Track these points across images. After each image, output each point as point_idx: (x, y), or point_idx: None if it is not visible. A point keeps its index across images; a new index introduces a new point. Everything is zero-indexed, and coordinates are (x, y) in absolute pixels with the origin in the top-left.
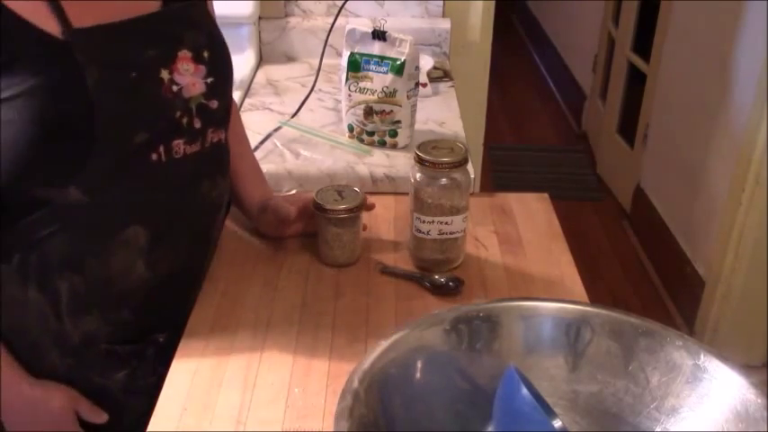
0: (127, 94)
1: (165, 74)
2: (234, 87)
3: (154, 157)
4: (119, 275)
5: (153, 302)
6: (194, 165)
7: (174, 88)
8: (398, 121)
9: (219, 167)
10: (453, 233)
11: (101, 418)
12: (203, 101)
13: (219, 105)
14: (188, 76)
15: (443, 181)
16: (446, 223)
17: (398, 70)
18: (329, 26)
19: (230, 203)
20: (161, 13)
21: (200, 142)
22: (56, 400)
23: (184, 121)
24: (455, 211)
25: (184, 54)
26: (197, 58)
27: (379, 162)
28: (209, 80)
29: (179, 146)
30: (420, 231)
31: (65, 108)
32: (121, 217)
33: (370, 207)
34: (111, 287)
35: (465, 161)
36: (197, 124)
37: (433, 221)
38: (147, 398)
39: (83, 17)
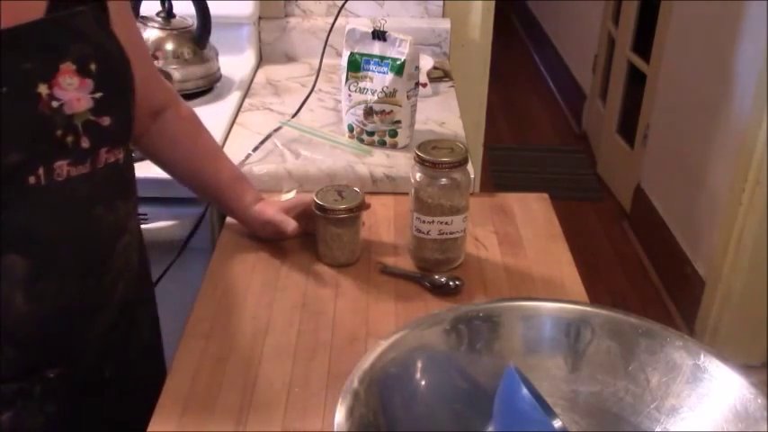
0: None
1: (43, 88)
2: (234, 87)
3: (32, 180)
4: None
5: (39, 338)
6: (83, 188)
7: (54, 104)
8: (398, 121)
9: (120, 191)
10: (453, 233)
11: None
12: (91, 117)
13: (113, 122)
14: (71, 91)
15: (443, 181)
16: (446, 223)
17: (398, 70)
18: (329, 26)
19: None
20: (42, 22)
21: (89, 163)
22: None
23: (69, 140)
24: (455, 211)
25: (67, 67)
26: (82, 71)
27: (379, 162)
28: (98, 95)
29: (62, 167)
30: (420, 231)
31: None
32: None
33: (366, 207)
34: None
35: (465, 161)
36: (84, 143)
37: (432, 221)
38: None
39: None
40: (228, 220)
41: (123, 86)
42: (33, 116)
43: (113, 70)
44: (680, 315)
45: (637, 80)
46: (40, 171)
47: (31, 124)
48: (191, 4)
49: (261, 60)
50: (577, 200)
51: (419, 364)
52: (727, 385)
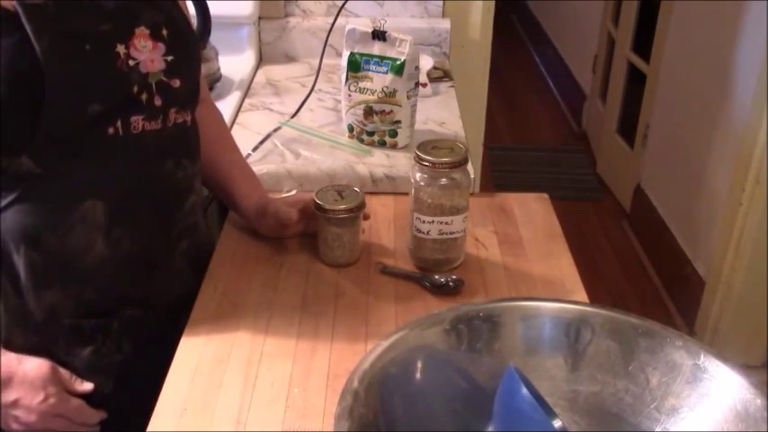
0: (79, 63)
1: (120, 48)
2: (234, 87)
3: (111, 130)
4: (78, 253)
5: (116, 284)
6: (155, 142)
7: (131, 63)
8: (398, 121)
9: (186, 150)
10: (453, 233)
11: (82, 387)
12: (163, 78)
13: (182, 86)
14: (146, 53)
15: (443, 181)
16: (446, 223)
17: (398, 70)
18: (329, 26)
19: (213, 198)
20: None
21: (160, 120)
22: (30, 362)
23: (143, 97)
24: (455, 211)
25: (142, 31)
26: (155, 36)
27: (379, 162)
28: (169, 58)
29: (137, 121)
30: (420, 231)
31: (13, 74)
32: (78, 190)
33: (366, 217)
34: (70, 264)
35: (465, 161)
36: (157, 102)
37: (432, 221)
38: (110, 380)
39: None
40: (228, 219)
41: (191, 54)
42: (113, 72)
43: (182, 38)
44: (680, 315)
45: (637, 80)
46: (118, 123)
47: (110, 79)
48: (191, 4)
49: (261, 60)
50: (577, 200)
51: (419, 364)
52: (727, 385)
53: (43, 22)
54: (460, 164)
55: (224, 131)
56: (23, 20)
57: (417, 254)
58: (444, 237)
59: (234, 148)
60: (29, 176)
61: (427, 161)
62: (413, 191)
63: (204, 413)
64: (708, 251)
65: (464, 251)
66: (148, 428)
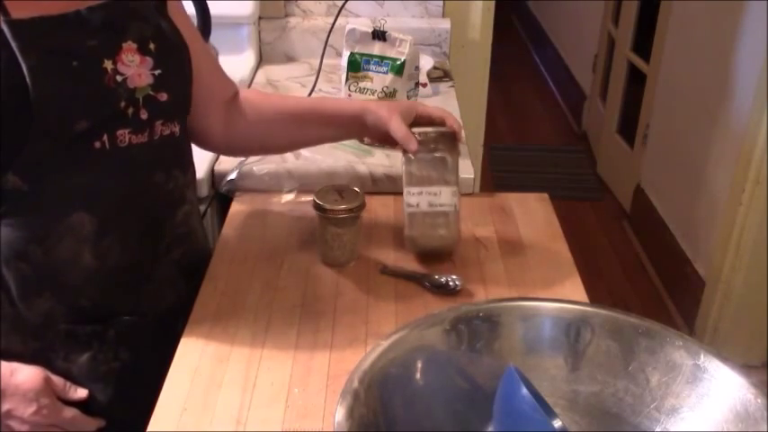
0: (66, 81)
1: (108, 64)
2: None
3: (97, 144)
4: (65, 264)
5: (107, 293)
6: (143, 155)
7: (118, 78)
8: None
9: (176, 161)
10: (443, 205)
11: (77, 394)
12: (151, 92)
13: (170, 98)
14: (133, 68)
15: (432, 155)
16: (434, 194)
17: (398, 70)
18: (329, 26)
19: (211, 200)
20: (104, 5)
21: (147, 133)
22: (22, 373)
23: (130, 111)
24: (443, 182)
25: (129, 45)
26: (143, 50)
27: (379, 162)
28: (157, 72)
29: (124, 135)
30: (410, 205)
31: (0, 92)
32: (65, 203)
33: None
34: (58, 275)
35: (453, 137)
36: (143, 115)
37: (421, 192)
38: (108, 387)
39: (23, 8)
40: (228, 220)
41: (180, 67)
42: (100, 89)
43: (171, 51)
44: (680, 315)
45: (637, 80)
46: (104, 137)
47: (97, 95)
48: (191, 4)
49: (261, 60)
50: (577, 200)
51: (419, 364)
52: (727, 385)
53: (29, 40)
54: (446, 135)
55: (275, 96)
56: (9, 37)
57: (411, 233)
58: (434, 209)
59: (295, 96)
60: (14, 192)
61: (417, 133)
62: (403, 167)
63: (204, 413)
64: (708, 251)
65: (458, 232)
66: (148, 428)
